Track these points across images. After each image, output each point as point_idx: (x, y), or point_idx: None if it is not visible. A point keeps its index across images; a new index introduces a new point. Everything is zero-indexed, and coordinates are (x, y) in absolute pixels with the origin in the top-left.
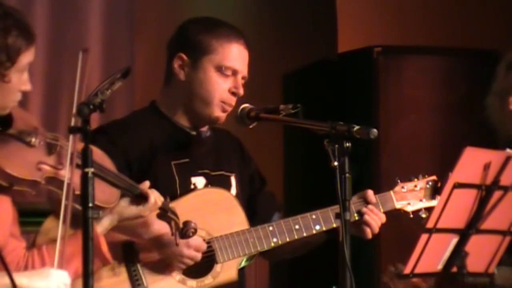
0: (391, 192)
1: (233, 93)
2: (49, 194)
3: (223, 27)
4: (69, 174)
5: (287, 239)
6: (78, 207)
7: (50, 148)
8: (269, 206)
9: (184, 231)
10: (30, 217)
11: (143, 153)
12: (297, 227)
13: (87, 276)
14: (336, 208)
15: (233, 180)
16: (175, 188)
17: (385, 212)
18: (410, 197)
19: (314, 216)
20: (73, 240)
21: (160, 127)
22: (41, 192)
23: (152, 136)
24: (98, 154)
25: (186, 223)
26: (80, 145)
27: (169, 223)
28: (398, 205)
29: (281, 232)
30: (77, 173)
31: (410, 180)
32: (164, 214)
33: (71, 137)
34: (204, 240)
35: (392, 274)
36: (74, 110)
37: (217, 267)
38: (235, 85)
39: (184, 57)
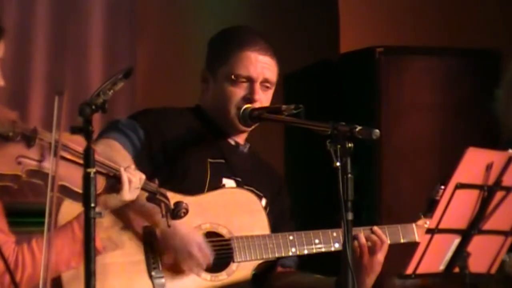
0: (414, 225)
1: (248, 100)
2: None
3: (237, 35)
4: (53, 166)
5: (305, 252)
6: (62, 196)
7: (29, 141)
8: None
9: (175, 212)
10: (30, 217)
11: (182, 143)
12: (316, 241)
13: (89, 276)
14: (357, 230)
15: (263, 201)
16: (204, 184)
17: (403, 243)
18: None
19: (335, 234)
20: (63, 231)
21: (201, 125)
22: (23, 185)
23: (193, 130)
24: (77, 141)
25: (177, 204)
26: (63, 137)
27: (159, 205)
28: (418, 239)
29: (301, 243)
30: (60, 164)
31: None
32: (153, 196)
33: (54, 129)
34: (224, 237)
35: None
36: (51, 156)
37: (233, 266)
38: (250, 91)
39: (206, 72)
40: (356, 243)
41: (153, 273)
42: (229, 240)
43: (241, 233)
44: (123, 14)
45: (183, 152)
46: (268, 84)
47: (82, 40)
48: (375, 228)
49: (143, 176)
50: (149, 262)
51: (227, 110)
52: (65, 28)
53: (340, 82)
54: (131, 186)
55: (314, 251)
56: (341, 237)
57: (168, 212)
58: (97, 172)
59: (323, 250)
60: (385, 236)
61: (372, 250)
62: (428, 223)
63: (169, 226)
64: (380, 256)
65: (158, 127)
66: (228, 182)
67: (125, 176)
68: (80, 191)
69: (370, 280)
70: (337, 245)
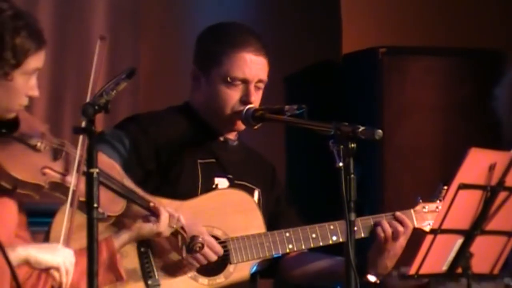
0: (412, 211)
1: (245, 102)
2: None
3: (230, 35)
4: (75, 181)
5: (303, 247)
6: (83, 213)
7: (56, 154)
8: (294, 223)
9: (191, 246)
10: (34, 217)
11: (172, 147)
12: (314, 235)
13: (91, 276)
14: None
15: (256, 194)
16: (197, 186)
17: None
18: (430, 217)
19: (332, 227)
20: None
21: (190, 125)
22: (44, 196)
23: (182, 132)
24: (108, 164)
25: (193, 238)
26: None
27: (175, 236)
28: (417, 224)
29: (298, 239)
30: (83, 180)
31: (431, 201)
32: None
33: (80, 143)
34: (219, 239)
35: (394, 278)
36: (88, 99)
37: (230, 268)
38: (246, 93)
39: (197, 70)
40: (379, 229)
41: (149, 282)
42: (225, 241)
43: (237, 233)
44: (126, 14)
45: (174, 157)
46: (261, 84)
47: (84, 40)
48: (398, 214)
49: (182, 217)
50: (144, 270)
51: (222, 112)
52: (67, 27)
53: (343, 82)
54: (171, 220)
55: (312, 245)
56: (338, 230)
57: (184, 245)
58: (134, 203)
59: (321, 244)
60: (409, 221)
61: (395, 236)
62: (426, 207)
63: (183, 258)
64: (403, 241)
65: (148, 134)
66: (221, 181)
67: (163, 209)
68: (99, 209)
69: (391, 262)
70: (334, 238)
